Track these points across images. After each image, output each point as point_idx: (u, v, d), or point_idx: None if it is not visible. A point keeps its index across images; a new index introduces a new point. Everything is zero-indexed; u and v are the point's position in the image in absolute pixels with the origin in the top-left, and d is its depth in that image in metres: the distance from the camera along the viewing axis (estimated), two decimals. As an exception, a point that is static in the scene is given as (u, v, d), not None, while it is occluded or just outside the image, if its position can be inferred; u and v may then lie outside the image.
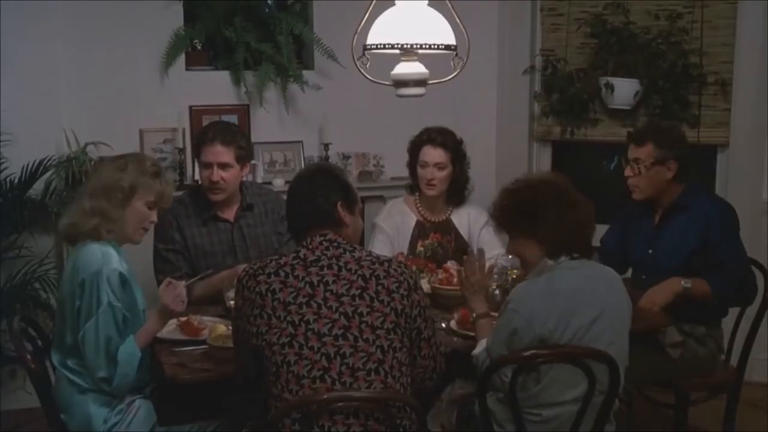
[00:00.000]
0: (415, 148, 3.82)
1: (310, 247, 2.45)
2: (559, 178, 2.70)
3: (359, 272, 2.39)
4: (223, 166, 3.41)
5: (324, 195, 2.51)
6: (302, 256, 2.42)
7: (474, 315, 2.87)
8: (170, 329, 2.94)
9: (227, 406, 2.82)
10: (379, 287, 2.38)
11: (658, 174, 3.38)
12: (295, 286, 2.36)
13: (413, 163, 3.83)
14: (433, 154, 3.76)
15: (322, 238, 2.46)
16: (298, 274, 2.38)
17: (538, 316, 2.46)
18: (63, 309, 2.81)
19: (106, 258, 2.72)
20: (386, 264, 2.44)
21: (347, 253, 2.44)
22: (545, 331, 2.45)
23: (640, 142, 3.40)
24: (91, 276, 2.68)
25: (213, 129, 3.51)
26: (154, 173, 2.84)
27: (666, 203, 3.44)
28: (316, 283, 2.37)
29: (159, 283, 3.44)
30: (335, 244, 2.45)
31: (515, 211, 2.65)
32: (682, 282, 3.28)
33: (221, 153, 3.41)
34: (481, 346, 2.70)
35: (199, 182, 3.63)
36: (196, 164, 3.64)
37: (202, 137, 3.47)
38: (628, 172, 3.43)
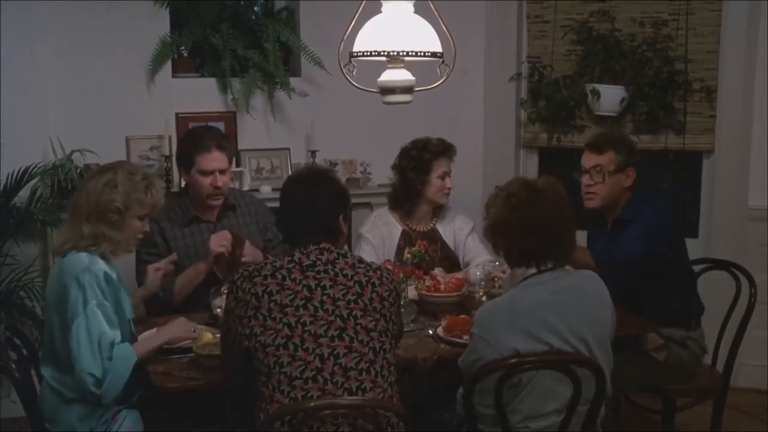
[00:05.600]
0: (428, 160, 3.78)
1: (305, 252, 2.49)
2: (538, 187, 2.61)
3: (355, 278, 2.45)
4: (222, 171, 3.47)
5: (329, 208, 2.57)
6: (297, 260, 2.46)
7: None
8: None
9: (216, 414, 2.81)
10: (374, 294, 2.45)
11: (618, 181, 3.39)
12: (292, 289, 2.40)
13: (422, 174, 3.79)
14: (447, 164, 3.81)
15: (316, 247, 2.50)
16: (296, 277, 2.42)
17: (501, 338, 2.44)
18: (50, 316, 2.79)
19: (91, 260, 2.73)
20: (379, 272, 2.51)
21: (341, 258, 2.49)
22: (511, 351, 2.42)
23: (601, 149, 3.42)
24: (77, 276, 2.68)
25: (207, 136, 3.52)
26: (145, 187, 2.84)
27: (615, 214, 3.44)
28: (313, 286, 2.41)
29: (139, 285, 3.44)
30: (329, 250, 2.50)
31: (491, 223, 2.65)
32: None
33: (219, 159, 3.46)
34: None
35: (184, 188, 3.62)
36: (179, 171, 3.60)
37: (197, 145, 3.45)
38: (587, 180, 3.42)
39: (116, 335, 2.69)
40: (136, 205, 2.81)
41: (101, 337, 2.65)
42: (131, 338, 2.88)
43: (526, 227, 2.54)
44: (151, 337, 2.84)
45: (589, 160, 3.44)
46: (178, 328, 2.87)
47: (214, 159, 3.44)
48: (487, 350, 2.46)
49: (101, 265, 2.74)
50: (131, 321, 2.91)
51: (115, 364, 2.65)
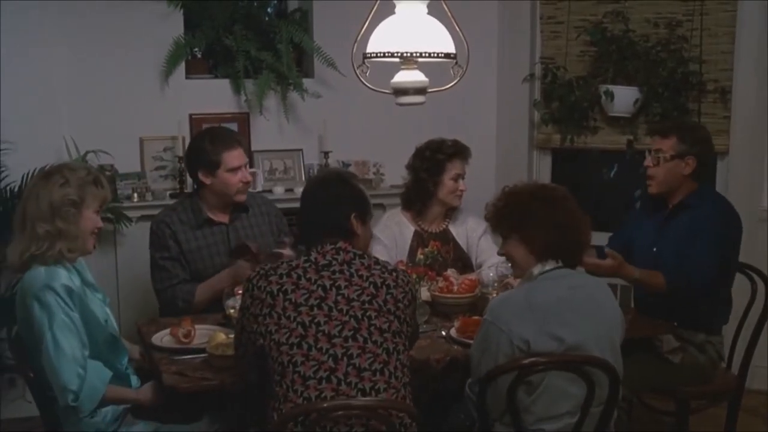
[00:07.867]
0: (441, 161, 3.78)
1: (321, 251, 2.49)
2: (556, 187, 2.68)
3: (370, 279, 2.45)
4: (246, 165, 3.55)
5: (339, 206, 2.56)
6: (313, 260, 2.47)
7: None
8: (167, 338, 2.96)
9: (228, 413, 2.81)
10: (388, 296, 2.44)
11: (676, 167, 3.39)
12: (307, 288, 2.40)
13: (434, 175, 3.79)
14: (461, 166, 3.82)
15: (333, 246, 2.50)
16: (311, 277, 2.43)
17: (514, 328, 2.44)
18: (23, 333, 2.73)
19: (49, 274, 2.67)
20: (395, 274, 2.51)
21: (357, 259, 2.49)
22: (522, 343, 2.42)
23: (665, 134, 3.44)
24: (37, 294, 2.63)
25: (227, 134, 3.60)
26: (94, 180, 2.81)
27: (675, 201, 3.45)
28: (328, 286, 2.41)
29: (156, 292, 3.47)
30: (345, 250, 2.51)
31: (509, 210, 2.63)
32: (635, 273, 3.28)
33: (243, 155, 3.53)
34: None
35: (195, 190, 3.62)
36: (195, 174, 3.57)
37: (222, 143, 3.47)
38: (647, 161, 3.45)
39: (86, 348, 2.67)
40: (89, 196, 2.78)
41: (74, 350, 2.62)
42: (111, 339, 2.85)
43: (568, 226, 2.56)
44: (125, 392, 2.81)
45: (652, 143, 3.49)
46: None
47: (240, 155, 3.50)
48: (498, 337, 2.46)
49: (61, 279, 2.67)
50: (107, 321, 2.85)
51: (89, 376, 2.64)
